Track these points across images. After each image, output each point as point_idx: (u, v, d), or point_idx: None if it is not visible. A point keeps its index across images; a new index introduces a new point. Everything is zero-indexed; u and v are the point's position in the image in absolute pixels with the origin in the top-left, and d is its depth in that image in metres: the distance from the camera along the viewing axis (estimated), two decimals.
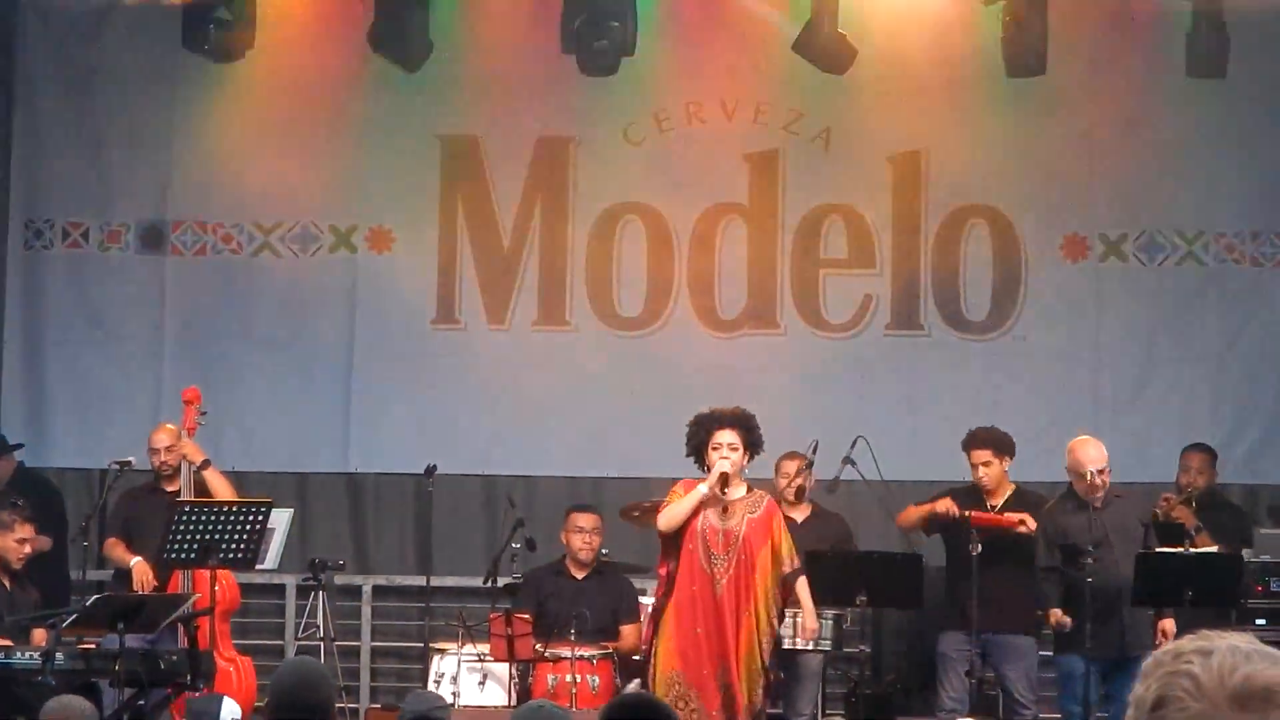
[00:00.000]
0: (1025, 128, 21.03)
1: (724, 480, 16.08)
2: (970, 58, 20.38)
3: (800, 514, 18.44)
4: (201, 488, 18.11)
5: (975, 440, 18.35)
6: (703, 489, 16.13)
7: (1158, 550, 17.45)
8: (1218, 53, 19.69)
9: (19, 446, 19.92)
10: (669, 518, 16.32)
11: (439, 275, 21.47)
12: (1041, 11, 19.68)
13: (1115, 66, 20.60)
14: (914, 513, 18.56)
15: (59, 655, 15.86)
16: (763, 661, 16.14)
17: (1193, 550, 17.57)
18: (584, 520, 18.42)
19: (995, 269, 21.42)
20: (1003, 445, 18.30)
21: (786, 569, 16.52)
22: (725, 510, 16.30)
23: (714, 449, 16.28)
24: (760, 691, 16.15)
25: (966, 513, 17.93)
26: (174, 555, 17.29)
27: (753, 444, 16.53)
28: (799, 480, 18.57)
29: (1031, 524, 17.97)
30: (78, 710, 11.33)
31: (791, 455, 18.69)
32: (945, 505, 18.18)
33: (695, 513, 16.24)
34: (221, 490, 18.21)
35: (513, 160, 21.39)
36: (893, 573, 18.49)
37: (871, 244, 21.45)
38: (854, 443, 18.77)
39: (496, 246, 21.49)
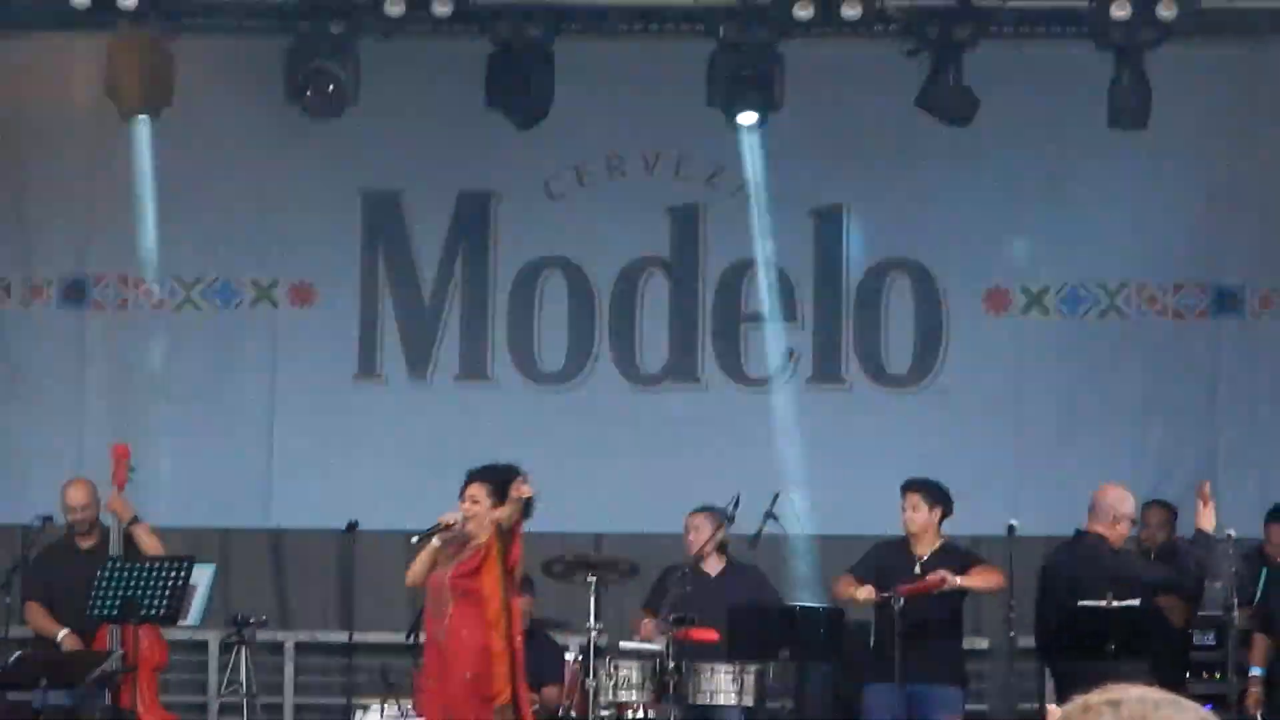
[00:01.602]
0: (947, 180, 21.32)
1: (449, 531, 16.75)
2: (892, 110, 20.48)
3: (715, 567, 18.77)
4: (129, 543, 18.40)
5: (912, 485, 18.46)
6: (434, 541, 16.78)
7: (1080, 604, 17.62)
8: (1140, 104, 19.69)
9: None
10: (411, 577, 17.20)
11: (360, 329, 21.69)
12: (971, 63, 19.71)
13: (1037, 118, 20.86)
14: (843, 593, 18.62)
15: None
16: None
17: (1115, 604, 17.87)
18: (522, 599, 18.35)
19: (917, 322, 21.68)
20: (936, 496, 18.38)
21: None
22: (456, 553, 16.82)
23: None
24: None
25: (892, 593, 17.87)
26: (97, 612, 17.59)
27: (498, 493, 16.79)
28: (718, 535, 18.69)
29: (953, 581, 18.12)
30: None
31: (701, 510, 18.83)
32: (865, 594, 18.26)
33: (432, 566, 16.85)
34: (151, 546, 18.44)
35: (434, 214, 21.68)
36: (816, 626, 18.60)
37: (793, 297, 21.71)
38: (774, 497, 18.75)
39: (417, 300, 21.72)
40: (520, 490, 16.77)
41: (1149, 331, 21.69)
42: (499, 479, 17.00)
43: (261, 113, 20.79)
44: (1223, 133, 21.06)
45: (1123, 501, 18.24)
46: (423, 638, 17.20)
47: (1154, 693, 3.69)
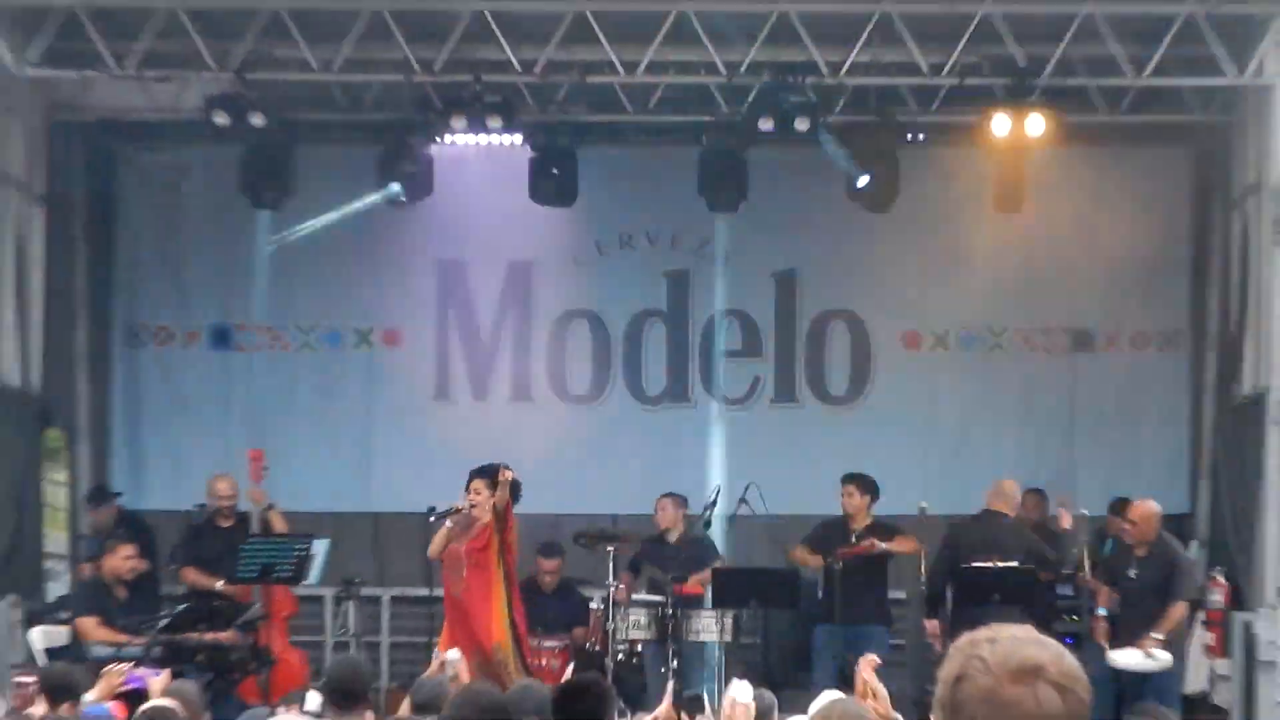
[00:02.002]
0: (873, 252, 21.31)
1: (460, 514, 17.05)
2: (832, 199, 20.35)
3: (674, 536, 19.05)
4: (264, 523, 18.57)
5: (849, 477, 18.71)
6: (447, 523, 17.12)
7: (974, 564, 17.80)
8: (1016, 194, 19.64)
9: (119, 495, 20.23)
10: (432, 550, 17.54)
11: (436, 363, 21.79)
12: (893, 162, 19.64)
13: (940, 204, 20.78)
14: (799, 558, 18.96)
15: (156, 648, 16.56)
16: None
17: (1000, 565, 17.84)
18: (548, 565, 18.98)
19: (852, 356, 21.74)
20: (866, 485, 18.63)
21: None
22: (464, 534, 17.07)
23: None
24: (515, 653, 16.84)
25: (834, 557, 18.33)
26: (241, 575, 17.69)
27: (492, 485, 17.16)
28: (680, 512, 19.16)
29: (880, 546, 18.32)
30: (189, 690, 11.90)
31: (667, 495, 19.23)
32: (815, 561, 18.75)
33: (447, 542, 17.11)
34: (280, 525, 18.64)
35: (490, 278, 21.70)
36: (777, 582, 18.94)
37: (759, 338, 21.85)
38: (746, 488, 19.33)
39: (478, 342, 21.78)
40: (505, 475, 17.09)
41: (1024, 363, 21.77)
42: (493, 474, 17.24)
43: (363, 199, 20.39)
44: (1079, 214, 20.95)
45: (1016, 489, 18.78)
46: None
47: (1025, 631, 3.72)
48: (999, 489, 18.63)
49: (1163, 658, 16.94)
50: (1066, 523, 18.80)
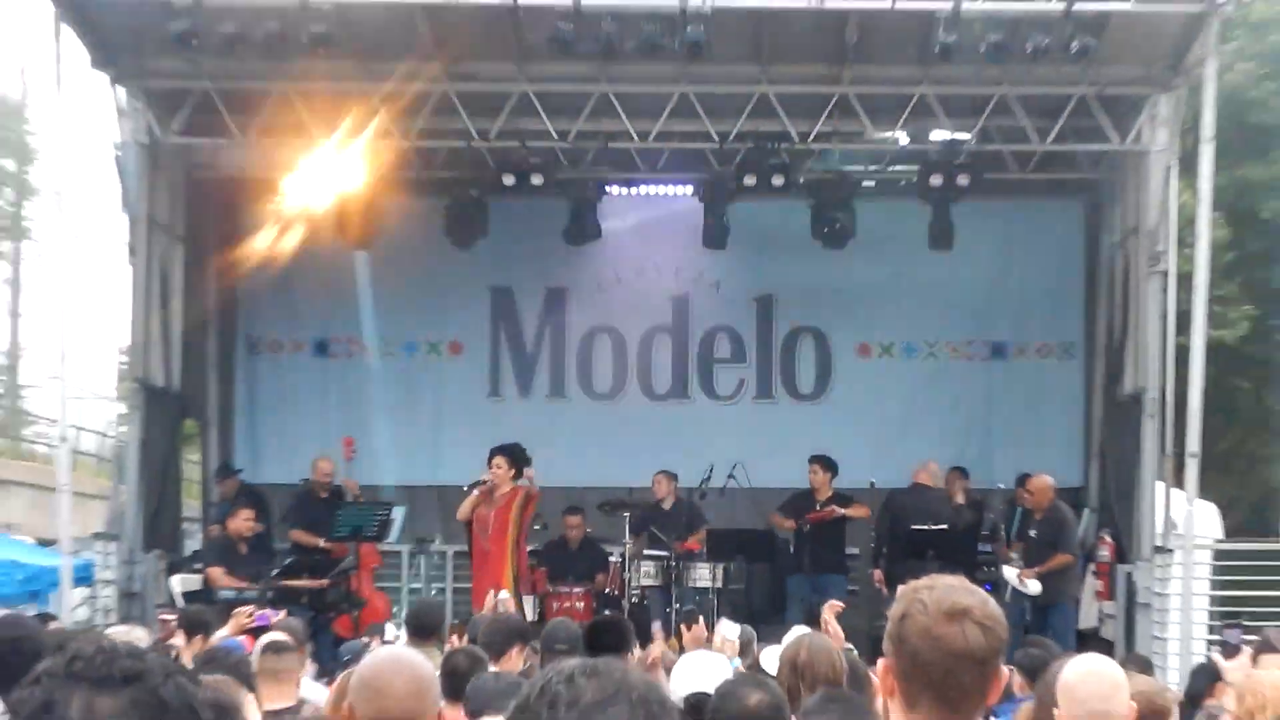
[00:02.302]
0: (835, 280, 21.13)
1: (485, 486, 16.99)
2: (802, 238, 20.11)
3: (668, 504, 19.04)
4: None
5: (815, 459, 18.92)
6: (474, 494, 17.08)
7: (914, 528, 17.94)
8: (947, 235, 19.66)
9: (240, 471, 20.49)
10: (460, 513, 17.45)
11: (489, 368, 21.88)
12: (849, 210, 19.71)
13: (886, 243, 20.72)
14: (775, 522, 19.16)
15: (270, 592, 16.71)
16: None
17: (934, 527, 18.00)
18: (573, 520, 19.04)
19: (816, 364, 21.85)
20: (828, 465, 18.86)
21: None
22: (490, 502, 17.02)
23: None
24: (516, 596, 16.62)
25: (804, 521, 18.66)
26: (337, 535, 17.93)
27: (517, 463, 17.20)
28: (672, 485, 19.20)
29: (840, 512, 18.59)
30: (296, 625, 11.96)
31: (661, 472, 19.25)
32: (788, 525, 18.96)
33: (474, 507, 17.07)
34: (358, 495, 19.00)
35: (531, 300, 21.85)
36: (759, 541, 19.13)
37: (744, 348, 21.95)
38: (733, 466, 19.37)
39: (523, 351, 21.91)
40: (529, 475, 17.31)
41: (952, 369, 21.83)
42: (514, 453, 17.26)
43: (430, 242, 20.52)
44: (996, 251, 21.13)
45: (938, 469, 19.22)
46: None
47: (957, 581, 3.82)
48: (926, 468, 19.00)
49: (1033, 587, 17.44)
50: (959, 498, 19.38)
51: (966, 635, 3.64)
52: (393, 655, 5.44)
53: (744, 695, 6.16)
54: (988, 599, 3.77)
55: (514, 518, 17.08)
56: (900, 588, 3.86)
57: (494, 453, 17.37)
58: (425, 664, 5.33)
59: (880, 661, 3.82)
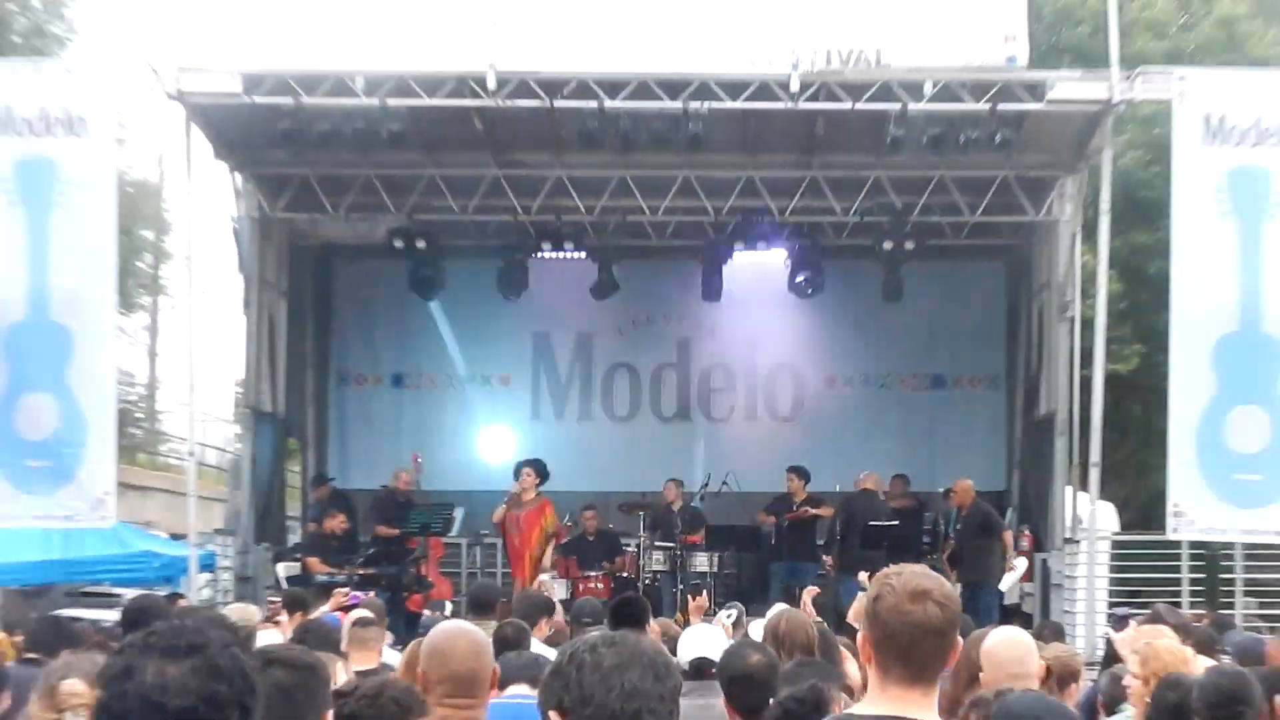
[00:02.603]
0: (806, 323, 21.18)
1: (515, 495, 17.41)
2: (781, 291, 20.07)
3: (675, 506, 18.75)
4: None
5: (791, 469, 18.81)
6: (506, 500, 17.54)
7: (871, 524, 17.79)
8: (897, 287, 19.64)
9: (332, 479, 20.32)
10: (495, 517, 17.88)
11: (531, 396, 21.83)
12: (819, 268, 19.61)
13: (848, 295, 20.64)
14: (760, 519, 19.03)
15: (355, 577, 16.69)
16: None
17: (886, 523, 18.00)
18: (589, 514, 18.63)
19: (793, 392, 21.78)
20: (802, 473, 18.77)
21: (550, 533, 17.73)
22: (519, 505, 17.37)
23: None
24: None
25: (783, 518, 18.62)
26: (410, 530, 17.89)
27: (541, 474, 17.53)
28: (679, 491, 18.98)
29: (812, 511, 18.56)
30: (377, 604, 11.92)
31: (671, 480, 19.07)
32: (770, 521, 18.93)
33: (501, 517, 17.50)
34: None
35: (564, 343, 21.83)
36: (747, 534, 19.21)
37: (734, 379, 21.89)
38: (727, 474, 19.42)
39: (558, 382, 21.86)
40: (560, 533, 18.04)
41: (901, 397, 21.75)
42: (538, 466, 17.58)
43: (484, 294, 20.46)
44: (936, 302, 21.07)
45: (879, 478, 19.04)
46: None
47: (920, 568, 3.79)
48: (870, 477, 18.74)
49: (1020, 564, 18.20)
50: (902, 500, 19.30)
51: (928, 612, 3.64)
52: (456, 626, 5.43)
53: (746, 655, 6.18)
54: (944, 582, 3.78)
55: (541, 531, 17.55)
56: (875, 575, 3.85)
57: (523, 464, 17.67)
58: (480, 632, 5.32)
59: (859, 634, 3.85)
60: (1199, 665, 7.29)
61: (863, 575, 12.72)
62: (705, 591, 16.08)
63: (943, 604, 3.68)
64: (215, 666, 2.48)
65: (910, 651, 3.65)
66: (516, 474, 17.85)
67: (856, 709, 3.84)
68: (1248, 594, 19.15)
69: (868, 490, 18.68)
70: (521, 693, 6.13)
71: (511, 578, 17.79)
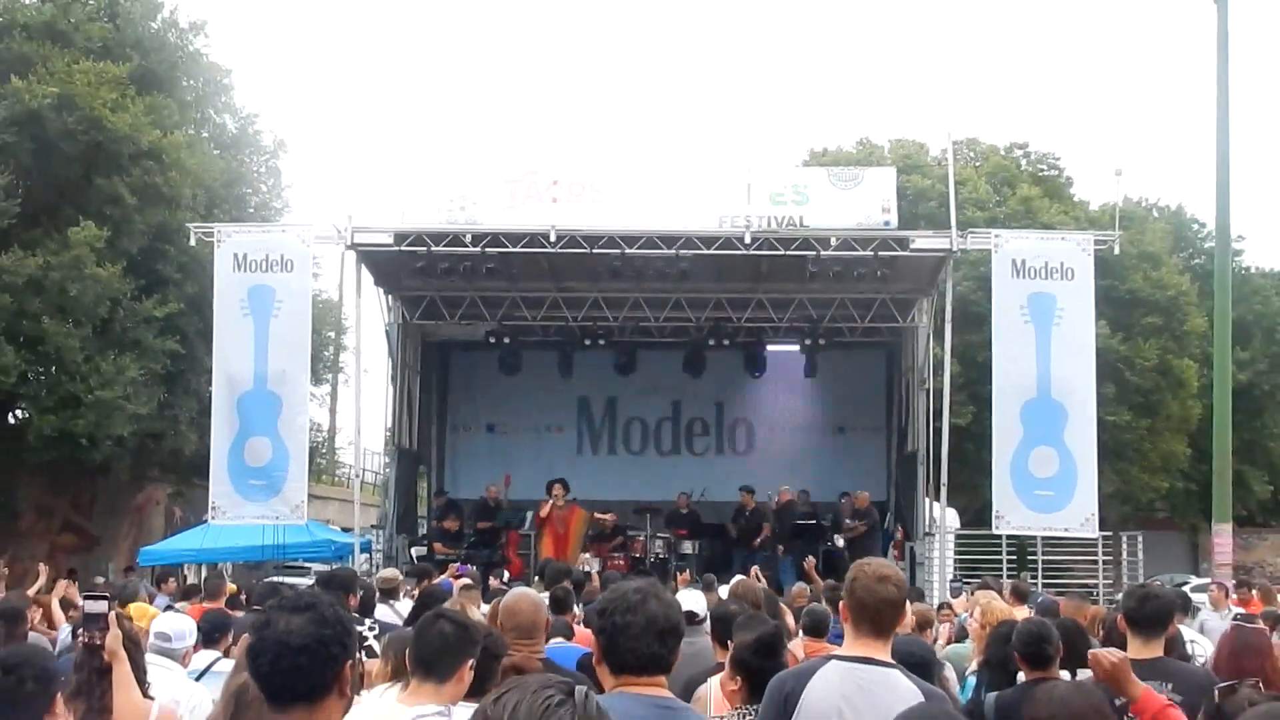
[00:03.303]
0: (755, 392, 20.87)
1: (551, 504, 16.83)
2: (741, 374, 20.01)
3: (683, 509, 18.47)
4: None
5: (742, 488, 18.47)
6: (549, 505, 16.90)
7: (796, 522, 17.74)
8: (814, 367, 19.62)
9: (447, 492, 19.95)
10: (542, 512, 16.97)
11: (576, 441, 21.30)
12: (762, 355, 19.61)
13: (784, 372, 20.27)
14: (728, 528, 18.54)
15: (462, 555, 16.59)
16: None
17: (804, 522, 17.92)
18: (605, 515, 17.97)
19: (747, 435, 21.29)
20: (751, 491, 18.40)
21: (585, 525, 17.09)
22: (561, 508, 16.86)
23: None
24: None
25: (740, 521, 18.32)
26: (497, 526, 17.88)
27: (566, 488, 17.04)
28: (687, 499, 18.70)
29: (764, 527, 18.14)
30: (475, 574, 11.87)
31: (682, 493, 18.75)
32: (733, 529, 18.32)
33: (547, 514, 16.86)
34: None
35: (599, 404, 21.22)
36: (715, 531, 18.65)
37: (709, 427, 21.39)
38: (703, 489, 19.06)
39: (594, 431, 21.40)
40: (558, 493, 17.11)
41: (817, 438, 21.09)
42: (565, 482, 17.13)
43: (548, 372, 20.29)
44: (842, 378, 20.67)
45: (790, 491, 18.53)
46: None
47: (881, 559, 3.91)
48: (786, 491, 18.57)
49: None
50: (803, 506, 18.59)
51: (889, 590, 3.69)
52: (520, 591, 5.45)
53: (728, 607, 6.15)
54: (898, 571, 3.84)
55: (578, 529, 16.99)
56: (853, 563, 3.89)
57: (554, 482, 17.28)
58: (536, 594, 5.33)
59: (840, 604, 3.90)
60: (1021, 615, 7.26)
61: (809, 561, 12.57)
62: (688, 569, 16.11)
63: (899, 585, 3.75)
64: (323, 618, 2.49)
65: (877, 616, 3.68)
66: (549, 489, 17.35)
67: (839, 652, 3.82)
68: (1044, 570, 19.04)
69: (791, 500, 18.49)
70: (560, 643, 6.18)
71: (554, 558, 17.29)
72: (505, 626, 4.93)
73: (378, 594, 9.22)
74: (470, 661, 3.68)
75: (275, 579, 13.61)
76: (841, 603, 3.83)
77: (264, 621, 2.50)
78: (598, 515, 18.02)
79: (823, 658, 3.81)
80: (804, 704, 3.60)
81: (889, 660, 3.68)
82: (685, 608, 7.06)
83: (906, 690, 3.54)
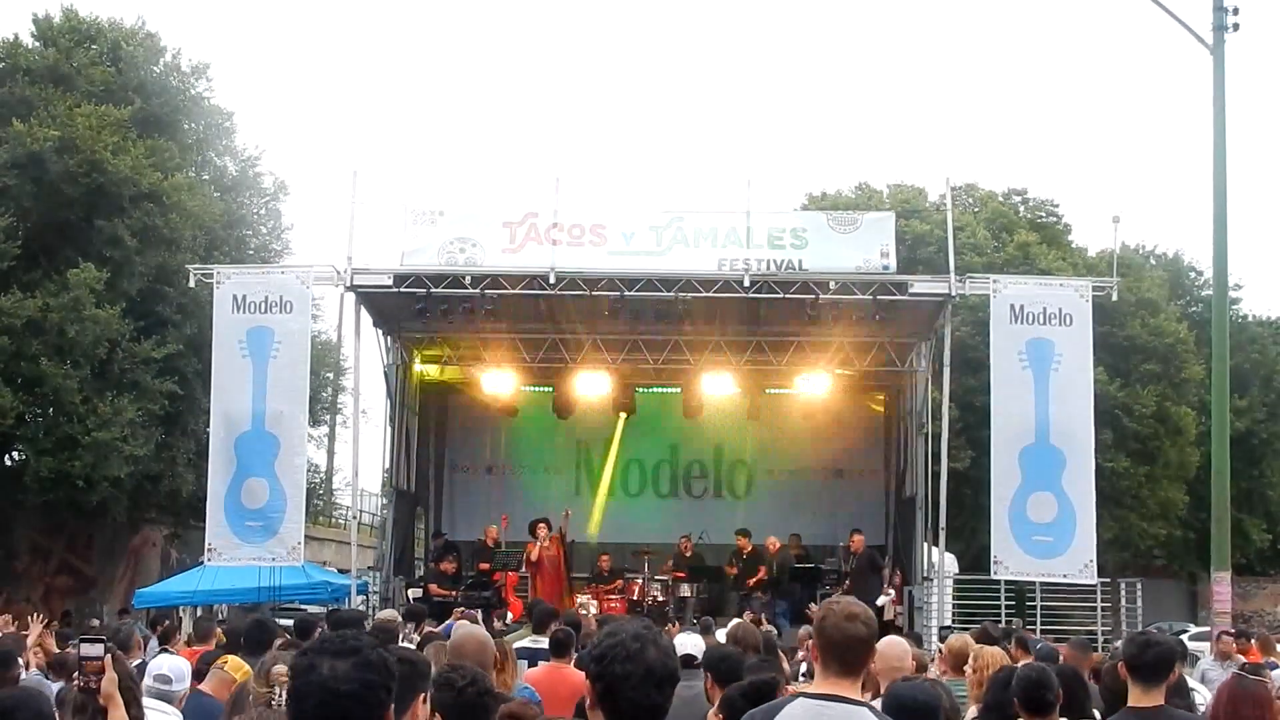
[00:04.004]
0: (757, 436, 20.76)
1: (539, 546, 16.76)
2: (740, 413, 19.97)
3: (688, 551, 18.32)
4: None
5: (739, 532, 18.32)
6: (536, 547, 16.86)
7: (795, 565, 17.74)
8: (813, 410, 19.49)
9: (445, 533, 19.80)
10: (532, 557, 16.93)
11: (574, 482, 21.09)
12: (765, 397, 19.91)
13: (780, 414, 20.22)
14: (726, 570, 18.42)
15: (459, 597, 16.46)
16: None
17: (801, 565, 17.83)
18: (604, 558, 17.94)
19: (745, 479, 21.17)
20: (747, 534, 18.30)
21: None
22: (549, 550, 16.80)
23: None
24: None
25: (738, 561, 18.16)
26: (495, 568, 17.56)
27: (549, 526, 17.08)
28: (690, 543, 18.56)
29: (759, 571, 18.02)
30: (475, 614, 11.74)
31: (685, 536, 18.62)
32: (731, 570, 18.17)
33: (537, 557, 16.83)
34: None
35: (598, 446, 20.93)
36: (713, 573, 18.54)
37: (707, 470, 21.30)
38: (702, 532, 18.99)
39: (592, 472, 21.06)
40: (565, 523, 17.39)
41: (813, 483, 20.93)
42: (547, 521, 17.19)
43: (544, 413, 20.27)
44: (843, 420, 20.44)
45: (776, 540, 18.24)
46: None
47: (851, 598, 3.85)
48: (772, 540, 18.33)
49: (891, 593, 17.07)
50: (796, 551, 18.58)
51: (857, 629, 3.67)
52: (466, 630, 5.37)
53: (726, 650, 6.08)
54: (868, 608, 3.81)
55: (563, 563, 17.07)
56: (822, 602, 3.96)
57: (538, 522, 17.25)
58: (483, 633, 5.27)
59: (809, 643, 3.90)
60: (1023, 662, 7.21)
61: (812, 607, 12.45)
62: (676, 621, 15.93)
63: (867, 623, 3.72)
64: (368, 662, 2.44)
65: (845, 654, 3.66)
66: (532, 530, 17.15)
67: (809, 689, 3.81)
68: (1042, 616, 18.91)
69: (785, 546, 18.31)
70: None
71: (547, 599, 16.98)
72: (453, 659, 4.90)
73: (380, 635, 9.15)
74: (422, 695, 3.60)
75: (258, 616, 13.51)
76: (810, 641, 3.86)
77: (307, 665, 2.45)
78: (601, 558, 17.90)
79: (790, 696, 3.80)
80: None
81: (857, 698, 3.70)
82: (683, 651, 7.04)
83: None
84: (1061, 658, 7.38)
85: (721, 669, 5.66)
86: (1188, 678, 7.91)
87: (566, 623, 9.98)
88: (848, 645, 3.67)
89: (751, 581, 17.98)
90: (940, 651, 10.84)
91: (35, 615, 11.99)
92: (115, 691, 3.91)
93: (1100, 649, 14.71)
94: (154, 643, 11.19)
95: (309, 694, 2.40)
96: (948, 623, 15.27)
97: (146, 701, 4.58)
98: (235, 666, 5.78)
